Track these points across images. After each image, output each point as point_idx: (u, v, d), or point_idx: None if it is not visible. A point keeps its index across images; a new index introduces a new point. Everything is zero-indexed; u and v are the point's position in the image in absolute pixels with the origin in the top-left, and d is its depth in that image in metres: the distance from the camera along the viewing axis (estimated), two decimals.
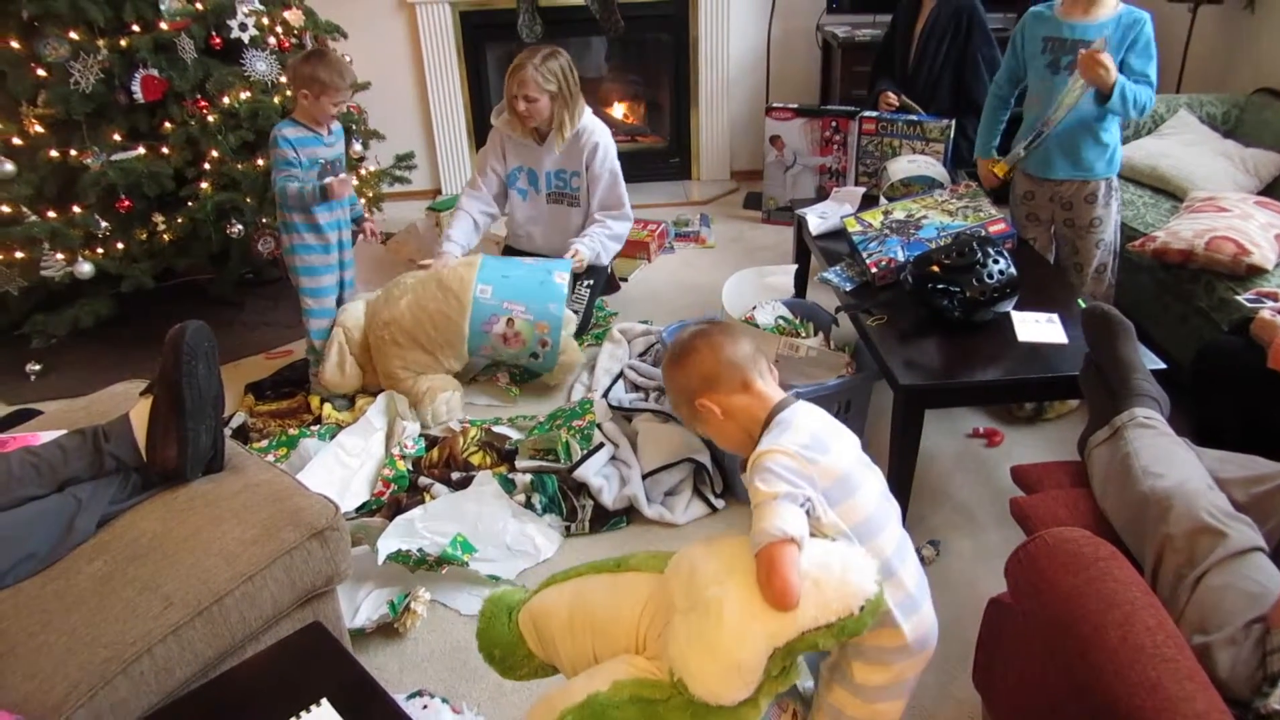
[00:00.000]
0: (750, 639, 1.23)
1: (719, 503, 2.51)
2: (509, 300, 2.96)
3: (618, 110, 5.31)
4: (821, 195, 4.12)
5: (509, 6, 4.43)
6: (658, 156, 5.13)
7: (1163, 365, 2.16)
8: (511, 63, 3.21)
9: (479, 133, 4.91)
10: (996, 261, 2.35)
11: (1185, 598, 1.45)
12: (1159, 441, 1.75)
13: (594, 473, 2.51)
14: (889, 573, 1.39)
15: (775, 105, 4.37)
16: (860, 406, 2.54)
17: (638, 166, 4.76)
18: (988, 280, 2.33)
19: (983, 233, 2.66)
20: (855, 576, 1.25)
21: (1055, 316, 2.43)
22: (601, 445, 2.61)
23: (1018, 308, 2.44)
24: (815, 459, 1.36)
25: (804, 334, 2.69)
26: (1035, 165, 2.90)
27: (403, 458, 2.64)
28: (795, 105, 4.33)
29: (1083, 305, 2.43)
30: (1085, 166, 2.80)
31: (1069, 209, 2.88)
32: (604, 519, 2.46)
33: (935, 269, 2.39)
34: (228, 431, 2.83)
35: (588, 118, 3.36)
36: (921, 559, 2.27)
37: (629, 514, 2.50)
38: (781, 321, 2.71)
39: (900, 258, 2.63)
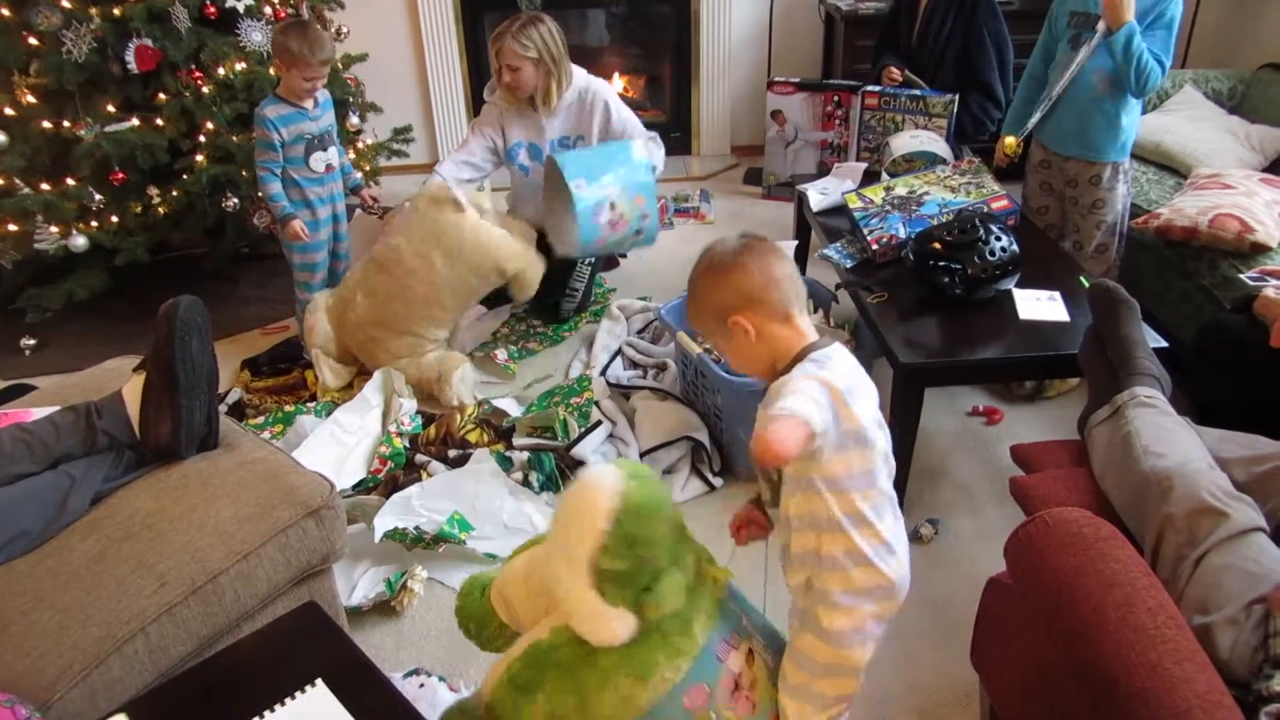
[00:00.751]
0: (561, 578, 1.28)
1: (717, 481, 2.50)
2: (602, 186, 2.90)
3: (617, 84, 5.24)
4: (823, 171, 4.09)
5: None
6: (658, 131, 5.03)
7: (1165, 344, 2.14)
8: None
9: (478, 105, 4.80)
10: (999, 239, 2.33)
11: (1186, 578, 1.45)
12: (1160, 421, 1.74)
13: (591, 451, 2.50)
14: (860, 522, 1.35)
15: (777, 79, 4.32)
16: None
17: None
18: (990, 258, 2.31)
19: (985, 209, 2.64)
20: (590, 494, 1.27)
21: (1057, 294, 2.41)
22: (599, 423, 2.60)
23: (1020, 285, 2.42)
24: (849, 402, 1.30)
25: None
26: (1048, 137, 2.88)
27: (399, 435, 2.62)
28: (797, 79, 4.29)
29: (1085, 283, 2.42)
30: (1094, 148, 2.77)
31: (1074, 186, 2.87)
32: None
33: (937, 246, 2.37)
34: (223, 408, 2.82)
35: (585, 78, 3.27)
36: (919, 538, 2.29)
37: None
38: None
39: (901, 234, 2.61)
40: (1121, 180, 2.82)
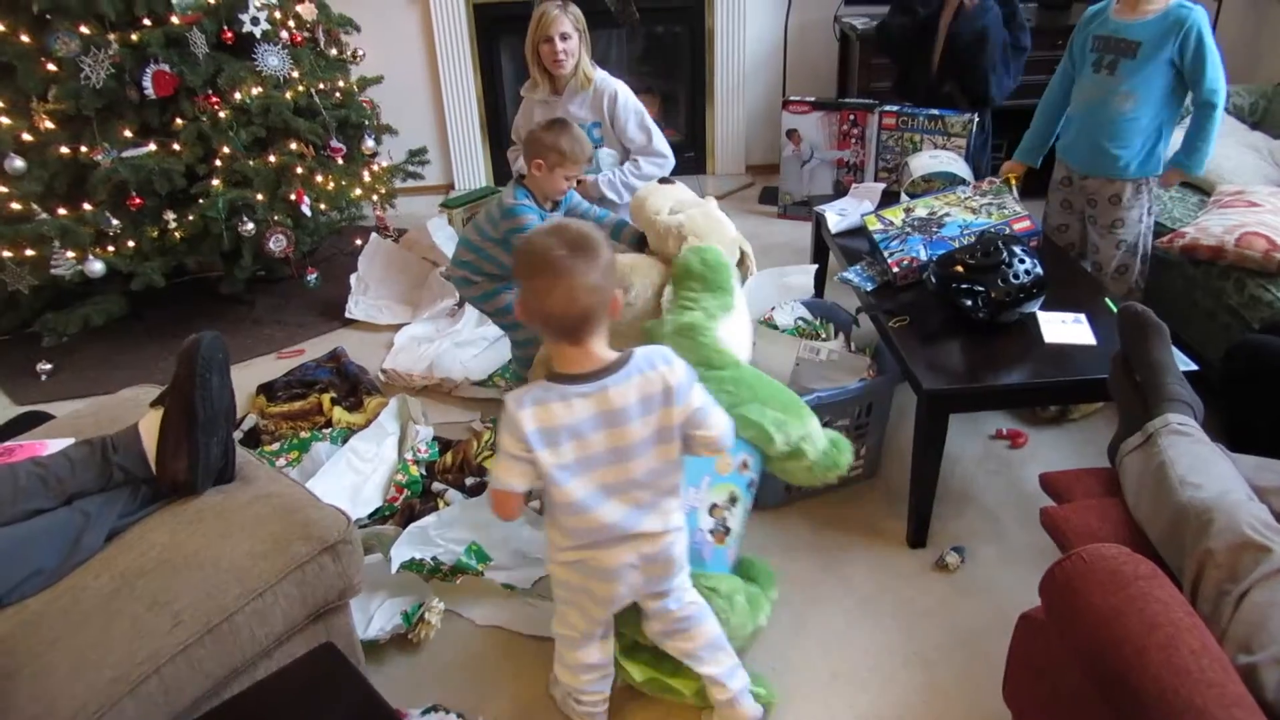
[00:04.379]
0: None
1: None
2: None
3: None
4: (839, 190, 4.06)
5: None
6: (673, 150, 5.05)
7: (1195, 367, 2.10)
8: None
9: (493, 127, 4.86)
10: (1023, 261, 2.30)
11: (1228, 615, 1.40)
12: (1195, 449, 1.69)
13: None
14: (585, 508, 1.56)
15: (792, 98, 4.30)
16: (881, 409, 2.49)
17: None
18: (1013, 280, 2.27)
19: (1007, 230, 2.60)
20: None
21: (1083, 317, 2.37)
22: None
23: (1044, 308, 2.38)
24: (533, 447, 1.50)
25: (824, 335, 2.64)
26: (1070, 154, 2.86)
27: (416, 463, 2.59)
28: (813, 98, 4.26)
29: (1111, 306, 2.38)
30: (1115, 166, 2.74)
31: (1093, 205, 2.84)
32: None
33: (959, 269, 2.33)
34: (238, 434, 2.81)
35: (601, 73, 3.34)
36: (945, 566, 2.25)
37: None
38: (801, 323, 2.66)
39: (922, 257, 2.57)
40: (1143, 200, 2.78)
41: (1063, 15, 4.36)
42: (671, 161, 3.38)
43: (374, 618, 2.10)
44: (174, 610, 1.51)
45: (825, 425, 2.37)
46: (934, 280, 2.39)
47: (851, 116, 4.19)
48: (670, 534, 1.66)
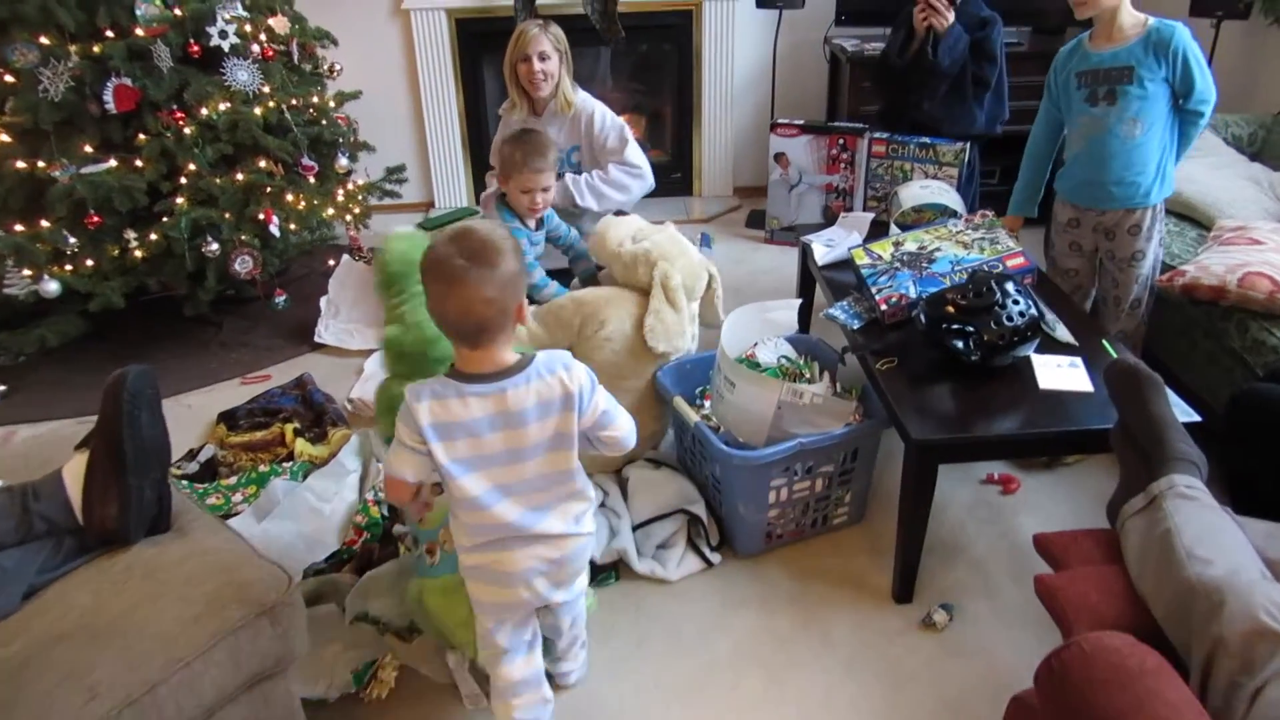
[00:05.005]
0: None
1: (714, 557, 2.33)
2: None
3: None
4: (828, 216, 3.96)
5: (507, 15, 4.26)
6: (659, 171, 4.83)
7: (1197, 418, 1.99)
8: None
9: (475, 144, 4.74)
10: (1017, 302, 2.19)
11: (1242, 711, 1.28)
12: (1203, 516, 1.58)
13: None
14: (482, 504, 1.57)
15: (781, 121, 4.20)
16: (868, 453, 2.37)
17: None
18: (1007, 323, 2.16)
19: (1000, 267, 2.49)
20: None
21: (1079, 360, 2.26)
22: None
23: (1039, 350, 2.27)
24: (428, 440, 1.51)
25: (808, 375, 2.52)
26: (1079, 194, 2.74)
27: (377, 503, 2.46)
28: (801, 121, 4.16)
29: (1110, 350, 2.27)
30: (1136, 195, 2.63)
31: (1111, 239, 2.72)
32: (592, 573, 2.28)
33: (950, 309, 2.22)
34: (194, 466, 2.68)
35: (583, 94, 3.25)
36: (932, 624, 2.13)
37: (618, 568, 2.32)
38: (784, 361, 2.54)
39: (912, 294, 2.46)
40: (1159, 226, 2.69)
41: (1057, 40, 4.28)
42: (645, 176, 3.27)
43: (323, 674, 1.95)
44: (90, 683, 1.37)
45: (808, 471, 2.28)
46: (923, 320, 2.28)
47: (841, 141, 4.09)
48: (576, 538, 1.68)
